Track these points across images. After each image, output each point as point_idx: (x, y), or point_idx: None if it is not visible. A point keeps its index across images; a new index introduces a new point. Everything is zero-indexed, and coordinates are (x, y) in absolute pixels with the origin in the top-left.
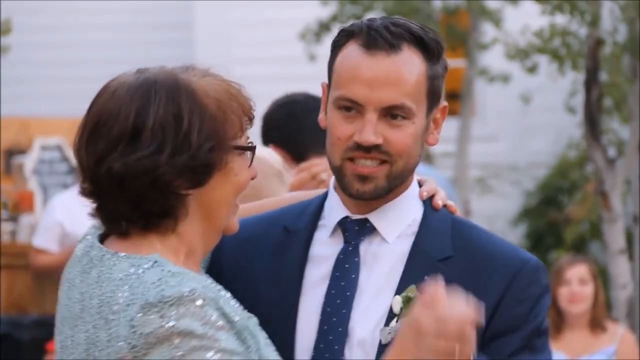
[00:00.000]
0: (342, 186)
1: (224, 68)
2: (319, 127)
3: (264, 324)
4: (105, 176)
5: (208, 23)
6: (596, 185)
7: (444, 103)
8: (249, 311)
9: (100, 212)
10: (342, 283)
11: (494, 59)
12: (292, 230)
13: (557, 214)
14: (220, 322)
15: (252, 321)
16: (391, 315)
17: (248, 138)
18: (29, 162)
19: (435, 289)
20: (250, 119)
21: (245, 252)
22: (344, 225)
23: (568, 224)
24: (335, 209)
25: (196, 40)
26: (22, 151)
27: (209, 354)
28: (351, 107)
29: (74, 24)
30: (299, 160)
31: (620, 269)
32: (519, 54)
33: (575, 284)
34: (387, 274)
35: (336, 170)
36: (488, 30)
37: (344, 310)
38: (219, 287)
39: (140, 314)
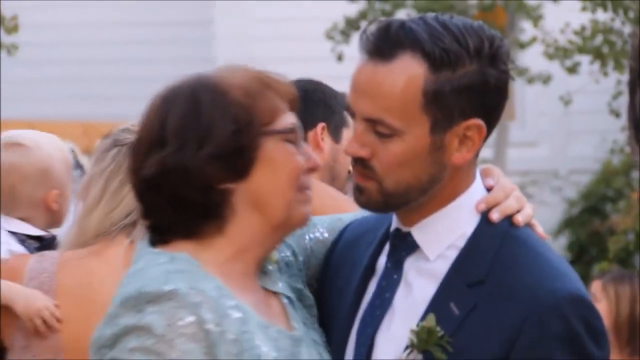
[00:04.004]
0: None
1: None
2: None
3: (331, 333)
4: (142, 186)
5: (229, 20)
6: None
7: (475, 120)
8: (325, 318)
9: (150, 228)
10: (377, 302)
11: (532, 58)
12: (374, 238)
13: (601, 224)
14: (188, 330)
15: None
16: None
17: (293, 123)
18: None
19: None
20: (291, 105)
21: (349, 251)
22: (391, 238)
23: (612, 235)
24: (395, 219)
25: (216, 39)
26: None
27: None
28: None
29: (86, 21)
30: None
31: None
32: (559, 53)
33: None
34: (420, 296)
35: None
36: (527, 28)
37: (369, 331)
38: (226, 293)
39: (119, 307)
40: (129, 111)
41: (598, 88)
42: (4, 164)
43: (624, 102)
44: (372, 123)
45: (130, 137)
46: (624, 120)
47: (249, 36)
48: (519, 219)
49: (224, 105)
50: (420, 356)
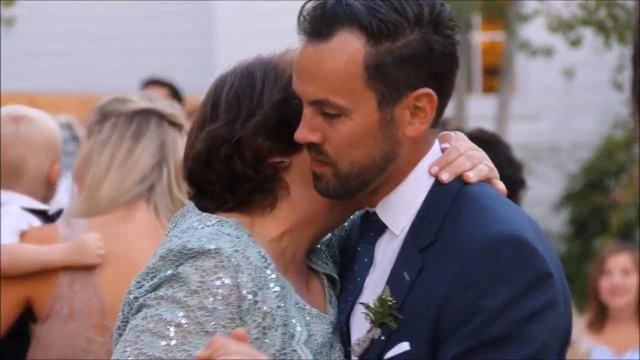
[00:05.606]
0: None
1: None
2: None
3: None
4: (193, 163)
5: None
6: None
7: (424, 89)
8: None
9: (201, 206)
10: (350, 287)
11: (535, 31)
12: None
13: (603, 199)
14: (222, 291)
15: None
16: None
17: None
18: None
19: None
20: None
21: (347, 242)
22: (361, 221)
23: (614, 209)
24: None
25: (216, 12)
26: None
27: (180, 313)
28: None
29: None
30: None
31: None
32: (562, 26)
33: (618, 275)
34: (385, 274)
35: None
36: (530, 1)
37: (341, 318)
38: (269, 264)
39: (159, 261)
40: (127, 84)
41: (601, 61)
42: (10, 136)
43: (627, 75)
44: (319, 105)
45: (124, 107)
46: (626, 93)
47: (249, 10)
48: (469, 175)
49: (274, 76)
50: (378, 331)
